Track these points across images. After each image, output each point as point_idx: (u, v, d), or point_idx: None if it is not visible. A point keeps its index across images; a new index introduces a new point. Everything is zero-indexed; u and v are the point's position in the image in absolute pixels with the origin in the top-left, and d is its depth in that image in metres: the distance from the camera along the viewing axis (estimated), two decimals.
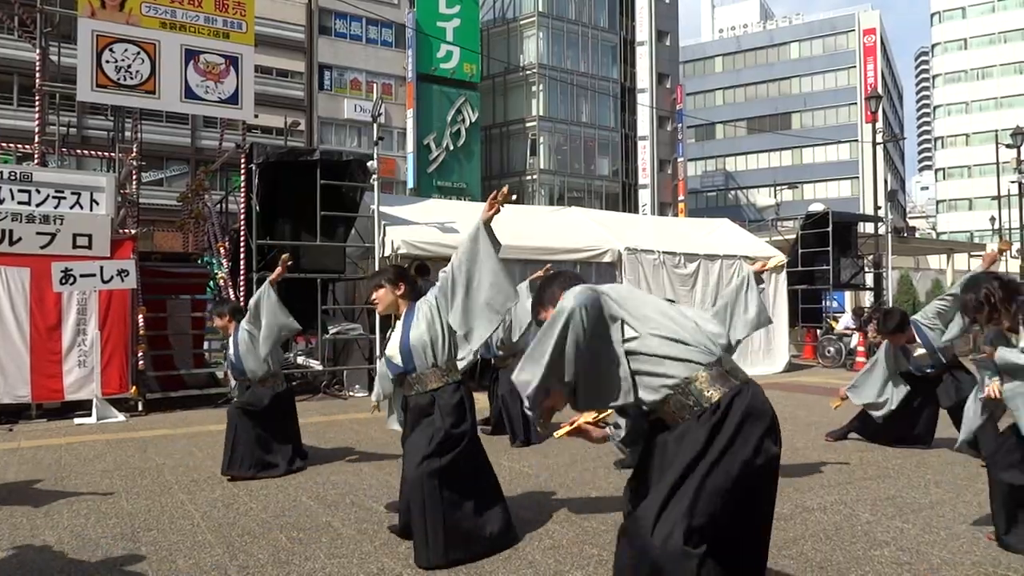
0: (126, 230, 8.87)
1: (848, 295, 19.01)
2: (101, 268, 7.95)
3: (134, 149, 9.60)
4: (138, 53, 8.93)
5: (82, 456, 6.07)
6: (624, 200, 41.66)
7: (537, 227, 11.92)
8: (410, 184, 34.19)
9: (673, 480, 2.16)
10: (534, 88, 39.11)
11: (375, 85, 23.05)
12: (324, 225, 9.87)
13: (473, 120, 36.10)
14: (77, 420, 7.84)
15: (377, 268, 9.94)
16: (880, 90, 32.09)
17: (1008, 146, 26.46)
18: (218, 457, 5.90)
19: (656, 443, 2.34)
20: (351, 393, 9.91)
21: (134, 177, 9.70)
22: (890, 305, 16.83)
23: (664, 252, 11.92)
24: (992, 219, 39.91)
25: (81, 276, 7.84)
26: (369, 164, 10.24)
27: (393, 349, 3.77)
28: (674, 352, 2.25)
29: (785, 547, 3.67)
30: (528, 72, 39.20)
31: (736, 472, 2.15)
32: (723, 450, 2.16)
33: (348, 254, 10.83)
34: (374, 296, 3.88)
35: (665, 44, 46.15)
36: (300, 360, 11.00)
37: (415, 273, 10.14)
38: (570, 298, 2.18)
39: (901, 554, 3.58)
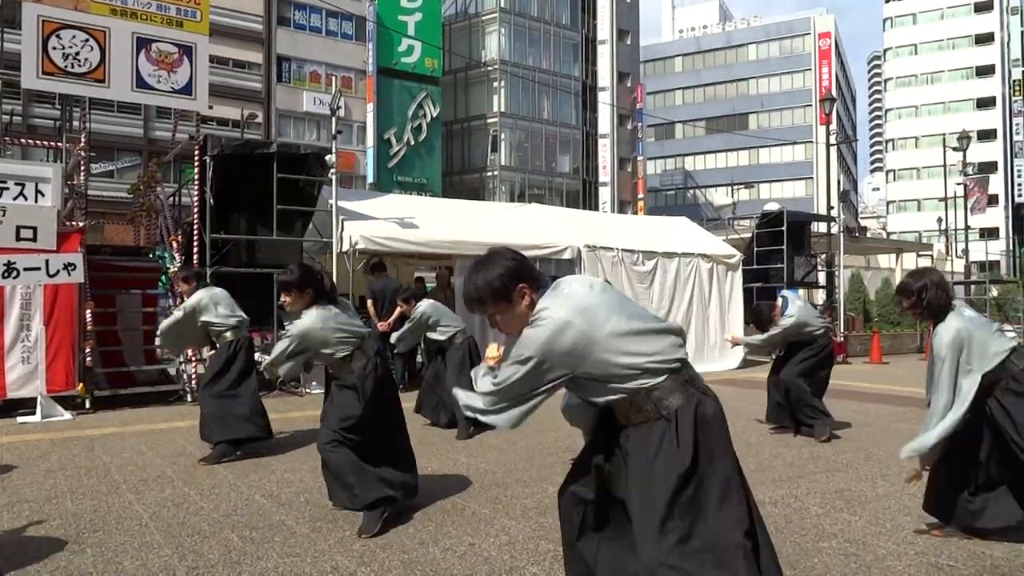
0: (74, 222, 8.60)
1: (801, 293, 19.40)
2: (47, 261, 7.71)
3: (82, 139, 9.31)
4: (87, 40, 8.66)
5: (25, 456, 5.88)
6: (584, 197, 41.92)
7: (497, 223, 11.92)
8: (370, 179, 33.91)
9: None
10: (496, 84, 39.09)
11: (335, 78, 22.74)
12: (281, 219, 9.71)
13: (434, 115, 35.94)
14: (20, 418, 7.58)
15: (334, 263, 9.83)
16: (834, 93, 32.87)
17: (955, 149, 27.30)
18: (168, 455, 5.79)
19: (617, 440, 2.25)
20: (307, 390, 9.78)
21: (82, 168, 9.41)
22: (838, 303, 17.23)
23: (623, 249, 12.02)
24: (939, 220, 41.15)
25: (25, 270, 7.59)
26: (327, 158, 10.12)
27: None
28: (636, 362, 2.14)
29: None
30: (490, 68, 39.15)
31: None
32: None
33: (305, 249, 10.67)
34: (282, 300, 4.16)
35: (626, 43, 46.56)
36: (256, 356, 10.82)
37: (371, 271, 10.06)
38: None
39: (848, 546, 3.66)
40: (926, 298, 3.71)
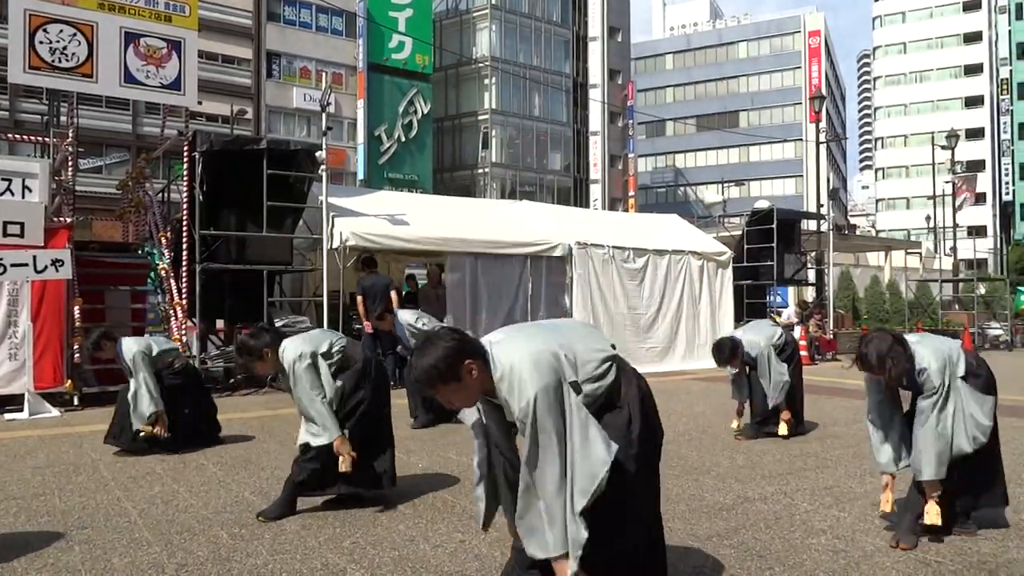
0: (61, 218, 8.55)
1: (791, 290, 19.51)
2: (34, 257, 7.65)
3: (70, 134, 9.25)
4: (74, 35, 8.60)
5: (12, 452, 5.84)
6: (575, 195, 41.94)
7: (488, 221, 11.91)
8: (360, 175, 33.80)
9: None
10: (487, 81, 39.04)
11: (325, 74, 22.64)
12: (271, 216, 9.67)
13: (425, 112, 35.85)
14: (8, 415, 7.53)
15: (325, 259, 9.80)
16: (824, 91, 32.99)
17: (943, 147, 27.47)
18: (158, 454, 5.77)
19: None
20: None
21: (70, 164, 9.35)
22: (828, 300, 17.30)
23: (614, 247, 12.03)
24: (928, 218, 41.40)
25: (12, 266, 7.53)
26: (317, 154, 10.09)
27: None
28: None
29: (726, 536, 3.74)
30: (481, 65, 39.09)
31: None
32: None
33: (296, 246, 10.65)
34: (255, 369, 4.24)
35: (617, 40, 46.57)
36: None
37: (363, 266, 10.04)
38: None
39: (837, 542, 3.68)
40: (892, 370, 3.46)
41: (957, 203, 29.79)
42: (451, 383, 2.31)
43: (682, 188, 63.42)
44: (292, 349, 4.05)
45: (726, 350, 6.32)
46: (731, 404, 6.83)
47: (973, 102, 64.32)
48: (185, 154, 9.55)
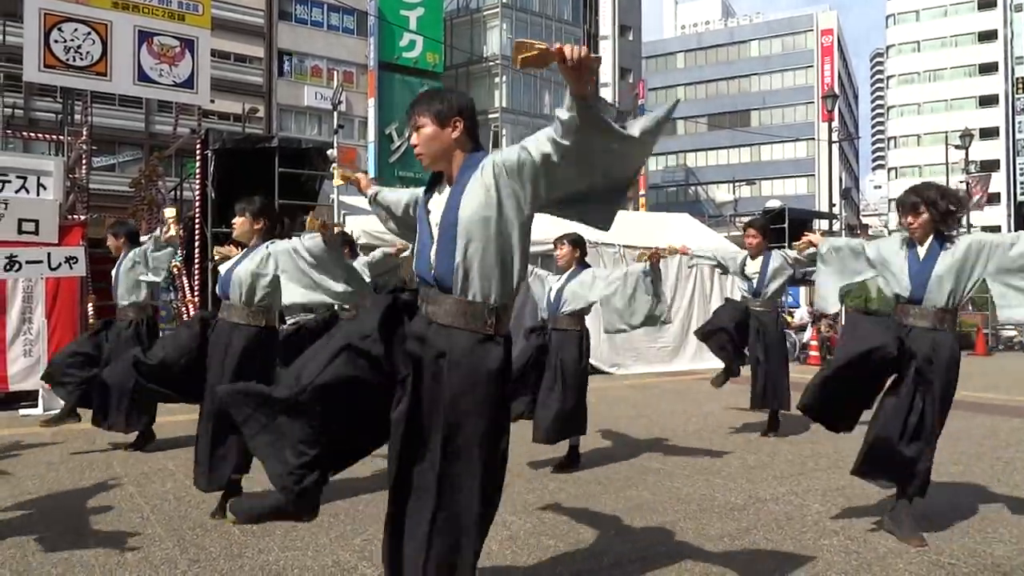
0: (75, 216, 8.61)
1: (803, 290, 19.40)
2: (48, 255, 7.68)
3: (84, 132, 9.32)
4: (88, 33, 8.66)
5: (26, 448, 5.89)
6: None
7: None
8: (371, 174, 33.77)
9: None
10: (497, 80, 39.00)
11: (336, 73, 22.66)
12: (282, 214, 9.69)
13: None
14: (22, 411, 7.59)
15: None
16: (836, 90, 32.79)
17: (957, 147, 27.25)
18: (170, 451, 5.80)
19: None
20: None
21: (84, 162, 9.43)
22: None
23: (624, 246, 12.00)
24: None
25: (27, 263, 7.57)
26: (329, 152, 10.13)
27: (224, 269, 4.21)
28: None
29: (738, 537, 3.73)
30: (491, 63, 39.07)
31: None
32: None
33: None
34: (234, 220, 4.22)
35: (628, 39, 46.42)
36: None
37: None
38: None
39: (849, 543, 3.67)
40: (943, 206, 3.56)
41: (972, 203, 29.52)
42: (434, 124, 2.32)
43: (693, 187, 63.16)
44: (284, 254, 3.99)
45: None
46: (739, 403, 6.79)
47: (988, 101, 63.72)
48: (197, 152, 9.61)
